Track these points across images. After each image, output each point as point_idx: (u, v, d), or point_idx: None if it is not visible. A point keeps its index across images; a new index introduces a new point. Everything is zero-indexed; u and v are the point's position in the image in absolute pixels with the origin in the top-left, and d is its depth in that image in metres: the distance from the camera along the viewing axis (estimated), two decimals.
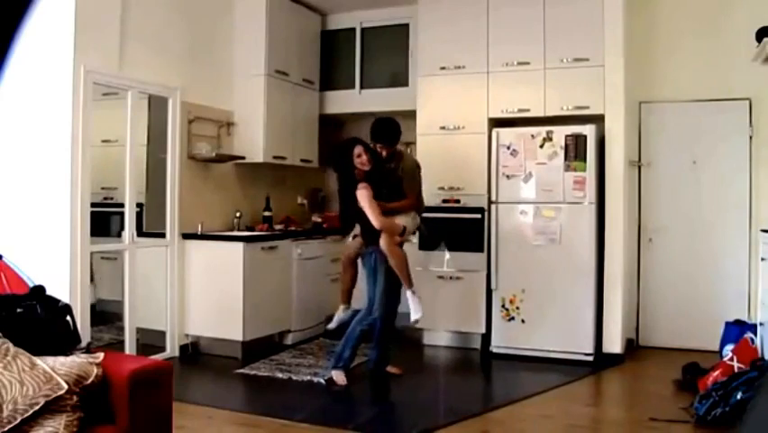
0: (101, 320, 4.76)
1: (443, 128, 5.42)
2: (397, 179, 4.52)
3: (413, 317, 4.35)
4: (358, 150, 4.34)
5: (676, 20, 5.41)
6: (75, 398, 2.21)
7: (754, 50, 4.65)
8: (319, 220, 6.27)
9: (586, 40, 5.01)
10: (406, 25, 6.00)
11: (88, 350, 2.49)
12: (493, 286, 5.15)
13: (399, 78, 6.06)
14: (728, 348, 4.34)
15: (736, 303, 5.13)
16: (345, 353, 4.42)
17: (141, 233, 4.69)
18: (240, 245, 4.94)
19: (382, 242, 4.28)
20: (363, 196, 4.24)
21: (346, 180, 4.39)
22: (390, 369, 4.62)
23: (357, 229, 4.53)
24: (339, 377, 4.37)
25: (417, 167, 4.73)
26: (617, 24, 4.96)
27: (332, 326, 4.79)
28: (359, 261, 4.59)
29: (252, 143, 5.56)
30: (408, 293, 4.34)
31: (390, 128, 4.56)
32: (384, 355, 4.60)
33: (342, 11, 6.26)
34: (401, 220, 4.40)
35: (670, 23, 5.42)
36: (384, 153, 4.50)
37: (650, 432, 3.51)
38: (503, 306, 5.11)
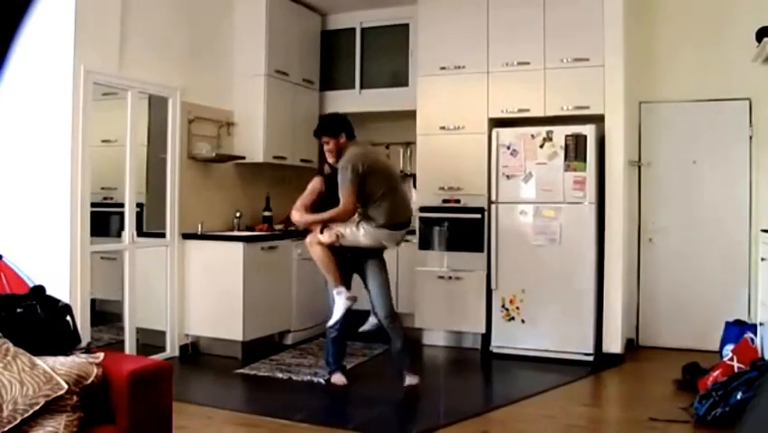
0: (101, 320, 4.77)
1: (443, 128, 5.42)
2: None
3: (329, 322, 4.25)
4: (324, 138, 4.21)
5: (676, 20, 5.40)
6: (75, 398, 2.21)
7: (754, 50, 4.65)
8: None
9: (586, 40, 5.00)
10: (407, 25, 5.99)
11: (88, 350, 2.49)
12: (493, 286, 5.15)
13: (399, 78, 6.06)
14: (728, 348, 4.33)
15: (736, 303, 5.13)
16: (329, 358, 4.42)
17: (141, 233, 4.69)
18: (240, 245, 4.94)
19: (308, 237, 4.27)
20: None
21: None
22: (409, 379, 4.24)
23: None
24: (338, 379, 4.36)
25: (352, 163, 4.01)
26: (617, 24, 4.95)
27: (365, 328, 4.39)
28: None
29: (252, 143, 5.55)
30: (333, 292, 4.21)
31: (328, 118, 4.40)
32: (403, 351, 4.29)
33: (342, 11, 6.25)
34: (337, 224, 4.13)
35: (670, 23, 5.42)
36: (331, 147, 4.17)
37: (650, 432, 3.51)
38: (503, 306, 5.11)
